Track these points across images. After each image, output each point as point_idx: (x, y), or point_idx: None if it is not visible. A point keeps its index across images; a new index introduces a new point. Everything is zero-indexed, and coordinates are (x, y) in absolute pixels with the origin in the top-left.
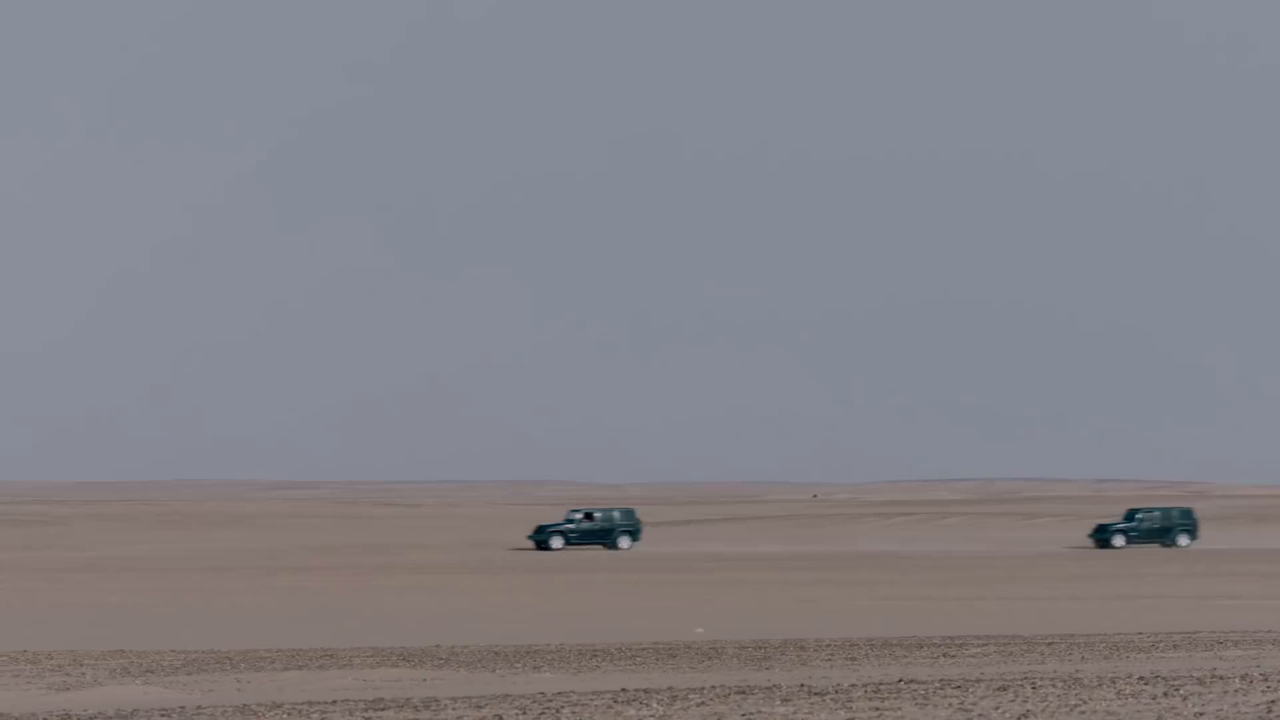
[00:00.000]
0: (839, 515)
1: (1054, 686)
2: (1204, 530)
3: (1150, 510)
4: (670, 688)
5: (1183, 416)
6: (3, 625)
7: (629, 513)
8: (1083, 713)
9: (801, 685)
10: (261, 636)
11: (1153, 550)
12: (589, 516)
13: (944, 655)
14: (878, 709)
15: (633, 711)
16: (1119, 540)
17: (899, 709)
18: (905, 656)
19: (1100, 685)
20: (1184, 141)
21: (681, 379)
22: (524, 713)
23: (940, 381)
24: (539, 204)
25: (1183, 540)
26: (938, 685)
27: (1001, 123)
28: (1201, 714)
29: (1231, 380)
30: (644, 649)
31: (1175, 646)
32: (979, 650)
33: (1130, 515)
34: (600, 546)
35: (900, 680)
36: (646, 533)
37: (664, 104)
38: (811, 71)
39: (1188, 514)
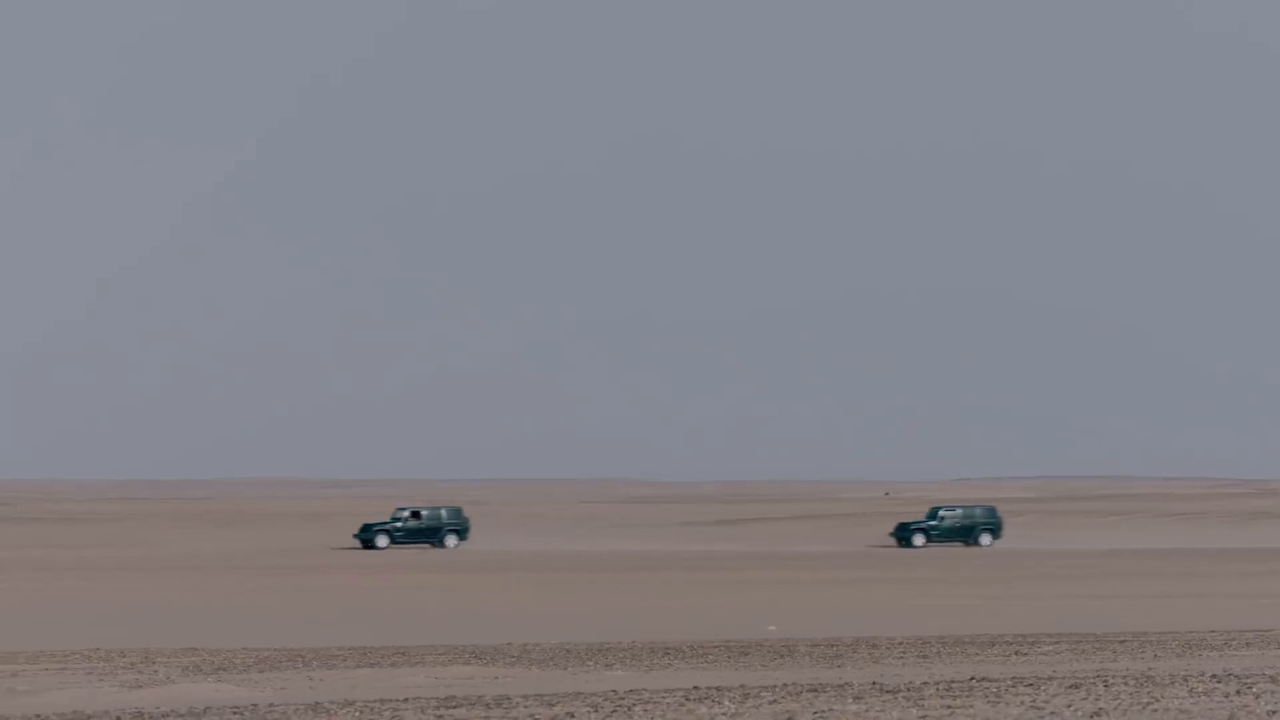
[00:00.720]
0: (910, 513)
1: (1126, 684)
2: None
3: (953, 509)
4: (742, 685)
5: (1250, 414)
6: (75, 623)
7: (456, 511)
8: (1155, 710)
9: (874, 683)
10: (332, 634)
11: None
12: (415, 515)
13: (1016, 653)
14: (950, 707)
15: (705, 709)
16: (919, 539)
17: (971, 707)
18: (977, 654)
19: (1173, 683)
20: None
21: (758, 375)
22: (595, 710)
23: (1011, 380)
24: (540, 201)
25: (985, 539)
26: (1010, 683)
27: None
28: (1274, 712)
29: None
30: (715, 647)
31: (1248, 644)
32: (1051, 648)
33: (933, 514)
34: (428, 545)
35: (972, 678)
36: (727, 529)
37: (664, 103)
38: (813, 69)
39: (991, 513)
